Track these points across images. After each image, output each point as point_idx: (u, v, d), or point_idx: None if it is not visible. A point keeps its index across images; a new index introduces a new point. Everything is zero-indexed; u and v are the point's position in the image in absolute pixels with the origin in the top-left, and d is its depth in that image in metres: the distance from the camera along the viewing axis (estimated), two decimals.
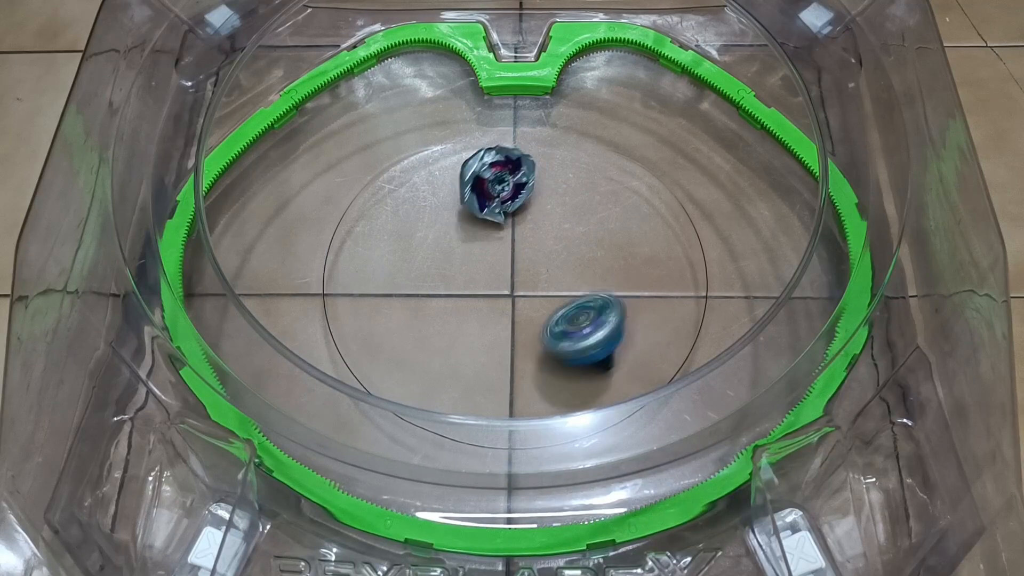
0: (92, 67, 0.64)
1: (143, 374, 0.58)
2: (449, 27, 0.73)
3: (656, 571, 0.52)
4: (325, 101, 0.73)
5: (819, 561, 0.50)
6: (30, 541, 0.48)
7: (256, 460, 0.54)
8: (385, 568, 0.52)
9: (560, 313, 0.60)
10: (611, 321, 0.58)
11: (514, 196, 0.66)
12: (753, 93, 0.69)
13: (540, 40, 0.73)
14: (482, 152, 0.64)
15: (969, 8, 0.77)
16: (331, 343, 0.62)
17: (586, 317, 0.59)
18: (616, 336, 0.58)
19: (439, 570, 0.52)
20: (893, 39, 0.67)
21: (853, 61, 0.69)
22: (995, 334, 0.51)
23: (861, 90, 0.68)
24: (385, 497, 0.55)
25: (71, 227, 0.58)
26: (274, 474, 0.55)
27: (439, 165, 0.70)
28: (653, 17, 0.73)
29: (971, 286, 0.54)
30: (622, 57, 0.74)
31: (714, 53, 0.72)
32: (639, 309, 0.63)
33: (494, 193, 0.65)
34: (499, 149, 0.65)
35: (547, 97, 0.73)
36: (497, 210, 0.65)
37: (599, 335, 0.57)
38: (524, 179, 0.66)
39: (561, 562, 0.53)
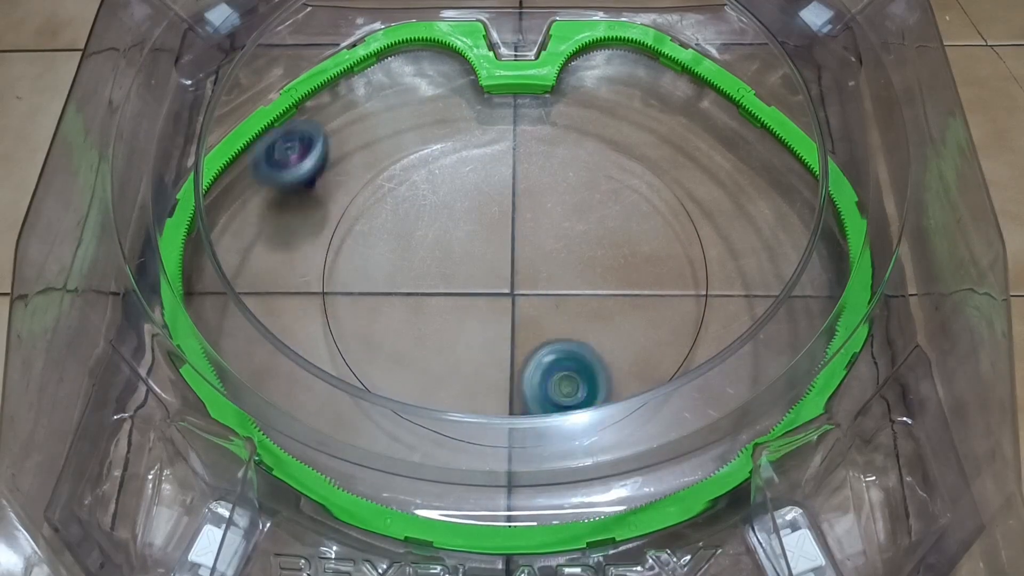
0: (92, 65, 0.63)
1: (143, 372, 0.58)
2: (449, 26, 0.73)
3: (656, 569, 0.52)
4: (325, 100, 0.73)
5: (819, 559, 0.50)
6: (30, 539, 0.48)
7: (256, 458, 0.54)
8: (385, 566, 0.52)
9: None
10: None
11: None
12: (753, 91, 0.69)
13: (540, 39, 0.72)
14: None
15: (969, 7, 0.77)
16: (331, 341, 0.62)
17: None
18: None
19: (439, 568, 0.52)
20: (893, 38, 0.67)
21: (853, 59, 0.69)
22: (995, 332, 0.51)
23: (861, 88, 0.68)
24: (385, 495, 0.55)
25: (71, 225, 0.58)
26: (274, 472, 0.55)
27: (439, 164, 0.70)
28: (653, 16, 0.73)
29: (971, 284, 0.54)
30: (622, 56, 0.74)
31: (714, 52, 0.72)
32: (639, 307, 0.63)
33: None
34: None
35: (547, 96, 0.72)
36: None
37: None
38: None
39: (561, 560, 0.53)
